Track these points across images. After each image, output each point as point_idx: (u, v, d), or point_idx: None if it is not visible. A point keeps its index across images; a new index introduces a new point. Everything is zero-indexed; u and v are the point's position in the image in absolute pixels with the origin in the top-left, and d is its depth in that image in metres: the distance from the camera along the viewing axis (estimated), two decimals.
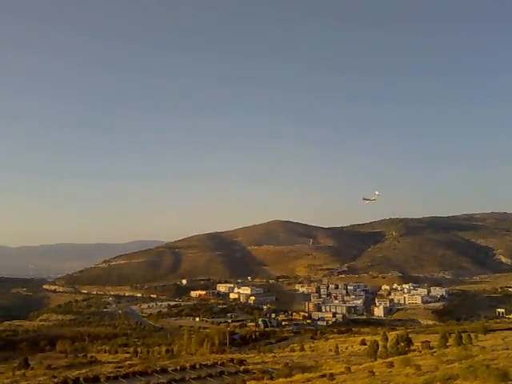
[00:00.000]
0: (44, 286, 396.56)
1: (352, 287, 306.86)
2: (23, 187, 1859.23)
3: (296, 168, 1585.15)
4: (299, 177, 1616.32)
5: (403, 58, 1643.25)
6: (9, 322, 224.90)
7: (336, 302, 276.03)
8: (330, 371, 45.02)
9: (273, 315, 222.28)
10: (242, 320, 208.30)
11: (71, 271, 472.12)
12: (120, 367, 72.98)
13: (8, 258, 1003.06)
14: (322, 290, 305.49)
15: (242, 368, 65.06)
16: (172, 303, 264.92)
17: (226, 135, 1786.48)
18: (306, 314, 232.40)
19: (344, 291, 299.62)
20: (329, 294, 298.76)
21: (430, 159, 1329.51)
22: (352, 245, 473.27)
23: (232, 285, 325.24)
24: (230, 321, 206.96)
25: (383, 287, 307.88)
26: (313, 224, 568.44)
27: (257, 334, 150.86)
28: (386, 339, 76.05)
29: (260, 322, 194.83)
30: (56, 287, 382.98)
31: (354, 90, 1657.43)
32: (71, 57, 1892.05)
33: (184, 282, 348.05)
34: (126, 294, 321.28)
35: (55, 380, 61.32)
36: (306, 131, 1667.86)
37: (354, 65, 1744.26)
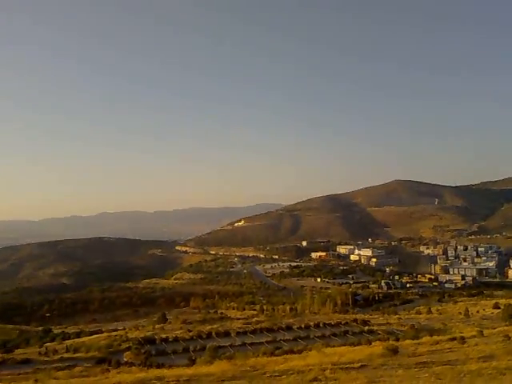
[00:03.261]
0: (177, 248, 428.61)
1: (483, 248, 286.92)
2: (154, 158, 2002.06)
3: (415, 124, 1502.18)
4: (421, 133, 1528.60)
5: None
6: (147, 281, 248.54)
7: (465, 264, 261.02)
8: (461, 334, 43.03)
9: (396, 277, 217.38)
10: (364, 282, 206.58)
11: (200, 233, 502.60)
12: (248, 323, 76.80)
13: (145, 222, 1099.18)
14: (449, 252, 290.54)
15: (366, 328, 64.95)
16: (293, 264, 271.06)
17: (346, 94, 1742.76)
18: (432, 277, 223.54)
19: (474, 253, 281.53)
20: (457, 256, 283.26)
21: None
22: (483, 204, 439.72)
23: (352, 246, 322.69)
24: (351, 282, 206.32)
25: None
26: (438, 183, 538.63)
27: (380, 295, 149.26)
28: None
29: (383, 284, 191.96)
30: (187, 248, 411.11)
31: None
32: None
33: (304, 243, 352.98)
34: (250, 255, 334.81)
35: (190, 334, 66.55)
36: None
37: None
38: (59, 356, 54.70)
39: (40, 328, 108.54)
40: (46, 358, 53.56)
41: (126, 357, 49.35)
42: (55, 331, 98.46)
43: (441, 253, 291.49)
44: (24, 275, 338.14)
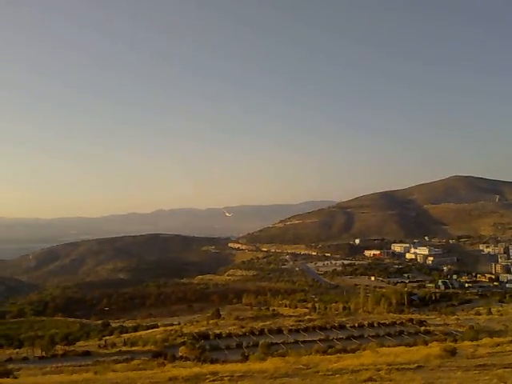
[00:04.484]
0: (229, 245, 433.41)
1: None
2: (203, 156, 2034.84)
3: (476, 119, 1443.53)
4: (482, 127, 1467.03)
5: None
6: (201, 277, 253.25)
7: None
8: None
9: (454, 276, 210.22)
10: (420, 281, 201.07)
11: (251, 231, 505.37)
12: (300, 321, 76.38)
13: (197, 219, 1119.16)
14: (511, 251, 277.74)
15: (422, 329, 63.20)
16: (346, 262, 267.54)
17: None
18: (493, 276, 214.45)
19: None
20: None
21: None
22: None
23: (408, 245, 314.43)
24: (406, 281, 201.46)
25: None
26: (499, 179, 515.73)
27: (437, 295, 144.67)
28: None
29: (440, 283, 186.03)
30: (239, 245, 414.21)
31: None
32: None
33: (357, 241, 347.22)
34: (302, 253, 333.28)
35: (243, 330, 67.14)
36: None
37: None
38: (117, 349, 56.74)
39: (99, 321, 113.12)
40: (105, 351, 55.71)
41: (181, 351, 50.37)
42: (113, 325, 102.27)
43: (502, 251, 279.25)
44: (84, 270, 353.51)
